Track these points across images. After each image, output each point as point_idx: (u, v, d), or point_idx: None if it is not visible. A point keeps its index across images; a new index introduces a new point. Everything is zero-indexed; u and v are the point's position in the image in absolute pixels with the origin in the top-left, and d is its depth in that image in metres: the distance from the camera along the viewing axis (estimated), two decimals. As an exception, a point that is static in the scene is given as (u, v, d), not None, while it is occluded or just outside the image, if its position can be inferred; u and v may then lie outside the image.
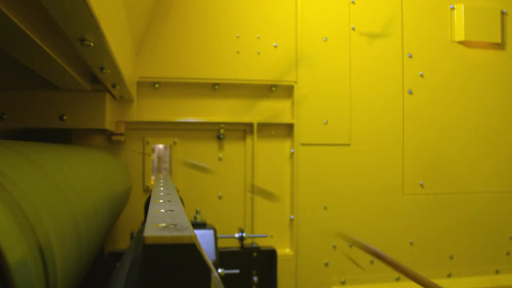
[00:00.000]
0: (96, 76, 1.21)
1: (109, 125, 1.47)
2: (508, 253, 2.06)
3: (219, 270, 1.38)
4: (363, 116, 1.96)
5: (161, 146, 1.91)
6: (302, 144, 1.91)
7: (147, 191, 1.84)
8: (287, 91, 1.95)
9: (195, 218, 1.69)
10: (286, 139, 1.95)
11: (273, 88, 1.92)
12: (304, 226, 1.89)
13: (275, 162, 1.94)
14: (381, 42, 1.98)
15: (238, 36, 1.89)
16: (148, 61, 1.82)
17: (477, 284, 2.00)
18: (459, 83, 2.05)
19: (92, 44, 0.79)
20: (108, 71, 1.07)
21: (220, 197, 1.90)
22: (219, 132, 1.89)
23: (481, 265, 2.03)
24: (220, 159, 1.90)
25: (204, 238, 1.47)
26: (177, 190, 1.81)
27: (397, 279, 1.95)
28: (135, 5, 1.43)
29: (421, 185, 1.99)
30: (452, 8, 2.03)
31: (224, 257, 1.68)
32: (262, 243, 1.85)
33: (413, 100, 2.00)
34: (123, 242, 1.78)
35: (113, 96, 1.53)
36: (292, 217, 1.91)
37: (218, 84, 1.88)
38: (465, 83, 2.05)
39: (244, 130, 1.93)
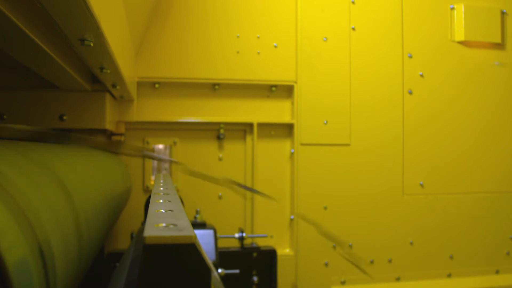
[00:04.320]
0: (96, 76, 1.21)
1: (109, 125, 1.47)
2: (508, 253, 2.06)
3: (219, 270, 1.38)
4: (363, 116, 1.96)
5: (161, 146, 1.91)
6: (302, 144, 1.91)
7: (147, 191, 1.84)
8: (287, 91, 1.95)
9: (195, 218, 1.69)
10: (286, 139, 1.95)
11: (273, 88, 1.92)
12: (304, 226, 1.89)
13: (275, 162, 1.94)
14: (381, 42, 1.98)
15: (238, 36, 1.89)
16: (148, 61, 1.82)
17: (477, 284, 2.00)
18: (459, 83, 2.05)
19: (92, 44, 0.79)
20: (108, 71, 1.07)
21: (220, 197, 1.90)
22: (219, 132, 1.89)
23: (481, 265, 2.03)
24: (220, 159, 1.90)
25: (204, 238, 1.47)
26: (177, 190, 1.81)
27: (397, 279, 1.95)
28: (135, 5, 1.43)
29: (421, 185, 1.99)
30: (452, 8, 2.03)
31: (224, 257, 1.68)
32: (262, 243, 1.85)
33: (413, 100, 2.00)
34: (123, 242, 1.78)
35: (113, 96, 1.53)
36: (292, 217, 1.91)
37: (218, 84, 1.88)
38: (465, 83, 2.05)
39: (244, 130, 1.93)
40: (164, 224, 0.43)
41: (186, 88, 1.88)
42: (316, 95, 1.93)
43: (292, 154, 1.93)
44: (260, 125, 1.91)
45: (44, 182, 0.56)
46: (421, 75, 2.01)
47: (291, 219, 1.92)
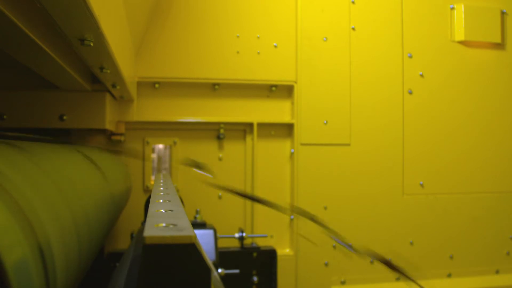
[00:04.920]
0: (96, 76, 1.21)
1: (109, 125, 1.47)
2: (508, 253, 2.06)
3: (219, 270, 1.38)
4: (363, 116, 1.96)
5: (161, 146, 1.91)
6: (302, 144, 1.91)
7: (147, 191, 1.84)
8: (287, 91, 1.95)
9: (195, 218, 1.69)
10: (286, 139, 1.95)
11: (273, 88, 1.92)
12: (304, 226, 1.89)
13: (275, 162, 1.94)
14: (381, 42, 1.98)
15: (238, 36, 1.89)
16: (148, 61, 1.82)
17: (477, 284, 2.00)
18: (459, 83, 2.05)
19: (92, 44, 0.79)
20: (108, 71, 1.07)
21: (220, 197, 1.90)
22: (219, 132, 1.89)
23: (481, 265, 2.03)
24: (220, 159, 1.90)
25: (204, 238, 1.47)
26: (177, 190, 1.81)
27: (397, 279, 1.95)
28: (135, 5, 1.43)
29: (421, 185, 1.99)
30: (452, 8, 2.03)
31: (224, 257, 1.68)
32: (262, 243, 1.85)
33: (413, 100, 2.00)
34: (123, 242, 1.78)
35: (113, 96, 1.53)
36: (292, 217, 1.91)
37: (218, 84, 1.88)
38: (465, 83, 2.05)
39: (244, 130, 1.93)
40: (164, 224, 0.43)
41: (186, 88, 1.88)
42: (316, 95, 1.93)
43: (292, 154, 1.93)
44: (260, 125, 1.91)
45: (44, 182, 0.56)
46: (421, 75, 2.01)
47: (291, 219, 1.92)
